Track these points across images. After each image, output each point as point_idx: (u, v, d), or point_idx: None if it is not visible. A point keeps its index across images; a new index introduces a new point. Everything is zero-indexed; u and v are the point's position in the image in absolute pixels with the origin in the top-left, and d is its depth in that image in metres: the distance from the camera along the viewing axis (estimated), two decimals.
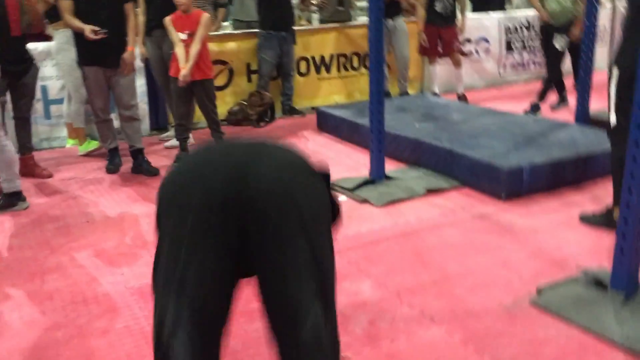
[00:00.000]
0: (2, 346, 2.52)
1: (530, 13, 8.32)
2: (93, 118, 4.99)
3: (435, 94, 7.04)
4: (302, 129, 6.12)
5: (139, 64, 5.43)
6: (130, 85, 4.74)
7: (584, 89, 5.30)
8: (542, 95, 6.26)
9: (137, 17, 4.71)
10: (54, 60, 5.41)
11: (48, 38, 5.43)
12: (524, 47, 8.30)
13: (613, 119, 3.23)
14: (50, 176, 4.80)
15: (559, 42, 5.99)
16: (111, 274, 3.13)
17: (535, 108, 6.20)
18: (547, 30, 6.10)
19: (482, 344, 2.40)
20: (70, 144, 5.61)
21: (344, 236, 3.46)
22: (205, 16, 4.89)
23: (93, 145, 5.44)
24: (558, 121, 5.15)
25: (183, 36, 4.79)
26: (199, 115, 5.43)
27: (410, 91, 7.30)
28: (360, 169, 4.59)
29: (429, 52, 6.96)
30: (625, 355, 2.30)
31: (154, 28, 5.22)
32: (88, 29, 4.38)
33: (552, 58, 6.16)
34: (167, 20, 4.81)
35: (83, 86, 5.02)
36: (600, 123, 5.07)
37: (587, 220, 3.51)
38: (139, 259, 3.29)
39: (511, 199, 3.90)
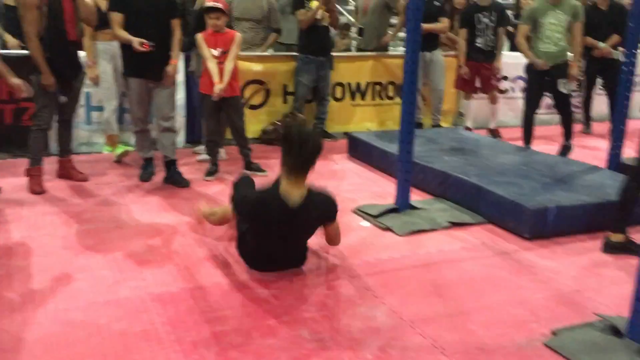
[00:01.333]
0: (26, 335, 2.62)
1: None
2: (131, 127, 5.15)
3: (467, 129, 7.06)
4: (332, 152, 6.19)
5: (179, 77, 5.61)
6: (170, 98, 4.90)
7: (617, 135, 5.26)
8: (567, 135, 6.23)
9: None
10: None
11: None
12: None
13: None
14: (85, 180, 4.96)
15: (565, 87, 5.85)
16: (134, 278, 3.22)
17: (565, 149, 6.16)
18: (541, 74, 5.82)
19: None
20: (106, 150, 5.79)
21: (363, 262, 3.51)
22: (239, 35, 5.06)
23: (121, 148, 5.62)
24: (589, 165, 5.12)
25: (215, 52, 4.94)
26: None
27: (444, 124, 7.33)
28: (386, 197, 4.63)
29: (466, 87, 7.00)
30: None
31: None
32: (136, 42, 4.56)
33: (563, 100, 6.00)
34: (199, 36, 4.97)
35: (115, 97, 5.25)
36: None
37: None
38: (162, 267, 3.38)
39: (535, 239, 3.89)
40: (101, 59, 5.31)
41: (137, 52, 4.56)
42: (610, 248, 3.70)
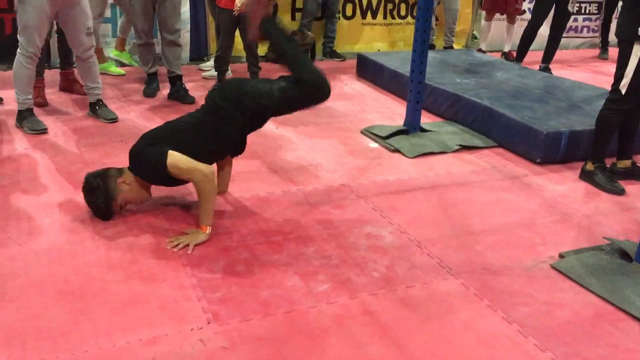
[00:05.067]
0: (32, 246, 2.62)
1: None
2: (135, 40, 4.99)
3: (481, 51, 6.85)
4: (341, 73, 6.05)
5: None
6: (176, 9, 4.71)
7: None
8: (550, 58, 6.27)
9: None
10: None
11: None
12: (580, 12, 7.97)
13: (624, 89, 3.38)
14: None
15: (572, 6, 5.97)
16: None
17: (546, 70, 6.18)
18: None
19: (497, 299, 2.40)
20: (113, 54, 5.68)
21: (371, 182, 3.47)
22: None
23: (113, 70, 5.50)
24: (604, 90, 4.97)
25: None
26: (239, 49, 5.39)
27: (456, 46, 7.11)
28: (396, 119, 4.54)
29: (492, 6, 6.71)
30: None
31: None
32: None
33: (564, 21, 6.10)
34: None
35: (98, 4, 5.00)
36: None
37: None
38: None
39: (546, 163, 3.83)
40: None
41: None
42: (616, 174, 3.62)
